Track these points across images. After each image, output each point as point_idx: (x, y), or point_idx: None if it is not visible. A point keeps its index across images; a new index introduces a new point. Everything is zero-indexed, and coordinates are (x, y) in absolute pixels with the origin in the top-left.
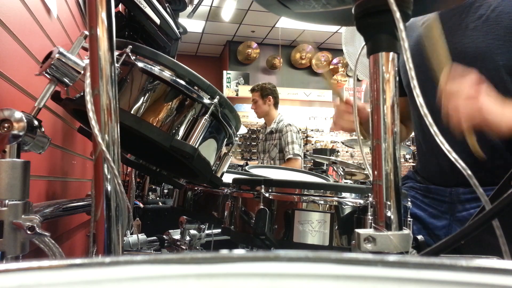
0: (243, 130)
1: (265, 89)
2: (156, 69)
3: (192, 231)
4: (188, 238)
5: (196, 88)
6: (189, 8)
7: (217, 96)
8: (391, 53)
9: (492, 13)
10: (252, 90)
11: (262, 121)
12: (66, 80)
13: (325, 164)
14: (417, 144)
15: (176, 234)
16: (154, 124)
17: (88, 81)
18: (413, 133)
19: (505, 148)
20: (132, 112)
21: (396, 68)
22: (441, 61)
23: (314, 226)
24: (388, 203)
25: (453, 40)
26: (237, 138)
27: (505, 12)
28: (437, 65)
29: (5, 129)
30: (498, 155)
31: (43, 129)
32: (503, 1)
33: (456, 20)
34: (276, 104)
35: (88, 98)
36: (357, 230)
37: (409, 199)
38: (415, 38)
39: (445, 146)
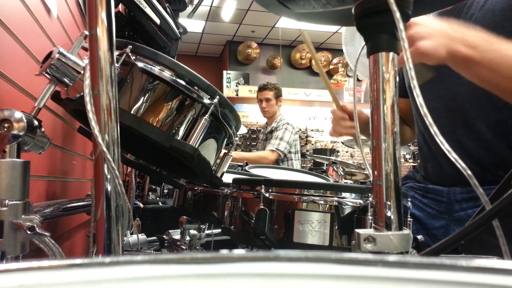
0: (243, 130)
1: (278, 90)
2: (156, 69)
3: (192, 231)
4: (188, 238)
5: (196, 88)
6: (189, 8)
7: (217, 96)
8: (391, 53)
9: (479, 11)
10: (265, 88)
11: (262, 121)
12: (66, 80)
13: (325, 164)
14: (418, 144)
15: (176, 234)
16: (154, 124)
17: (88, 81)
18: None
19: (504, 150)
20: (132, 112)
21: (396, 68)
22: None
23: (314, 226)
24: (388, 203)
25: None
26: (237, 138)
27: (490, 9)
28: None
29: (5, 129)
30: (498, 157)
31: (43, 129)
32: None
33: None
34: (280, 106)
35: (88, 98)
36: (357, 230)
37: (409, 199)
38: None
39: (445, 146)
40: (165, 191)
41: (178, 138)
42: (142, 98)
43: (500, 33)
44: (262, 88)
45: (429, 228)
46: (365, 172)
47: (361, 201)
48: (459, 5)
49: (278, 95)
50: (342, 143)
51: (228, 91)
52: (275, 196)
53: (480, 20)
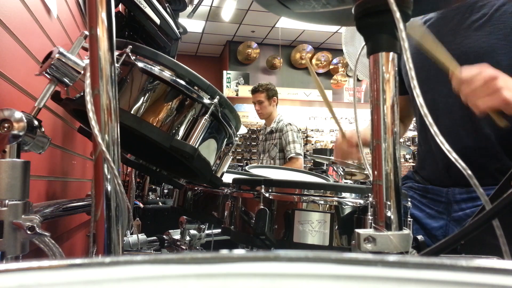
0: (243, 130)
1: (270, 90)
2: (156, 69)
3: (192, 231)
4: (188, 238)
5: (196, 88)
6: (189, 8)
7: (217, 96)
8: (391, 53)
9: (495, 12)
10: (256, 91)
11: (262, 121)
12: (66, 80)
13: (325, 164)
14: (418, 143)
15: (176, 234)
16: (154, 124)
17: (88, 81)
18: (414, 133)
19: (503, 151)
20: (132, 112)
21: (396, 68)
22: (447, 64)
23: (314, 226)
24: (388, 203)
25: (455, 40)
26: (237, 138)
27: (509, 12)
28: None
29: (5, 129)
30: (495, 159)
31: (43, 129)
32: (507, 1)
33: (459, 20)
34: (277, 104)
35: (88, 98)
36: (357, 230)
37: (408, 199)
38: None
39: (445, 146)
40: (165, 191)
41: (178, 138)
42: (142, 98)
43: None
44: (253, 91)
45: (428, 228)
46: (365, 172)
47: (361, 201)
48: (464, 5)
49: (270, 96)
50: None
51: (228, 91)
52: (275, 196)
53: (497, 20)
